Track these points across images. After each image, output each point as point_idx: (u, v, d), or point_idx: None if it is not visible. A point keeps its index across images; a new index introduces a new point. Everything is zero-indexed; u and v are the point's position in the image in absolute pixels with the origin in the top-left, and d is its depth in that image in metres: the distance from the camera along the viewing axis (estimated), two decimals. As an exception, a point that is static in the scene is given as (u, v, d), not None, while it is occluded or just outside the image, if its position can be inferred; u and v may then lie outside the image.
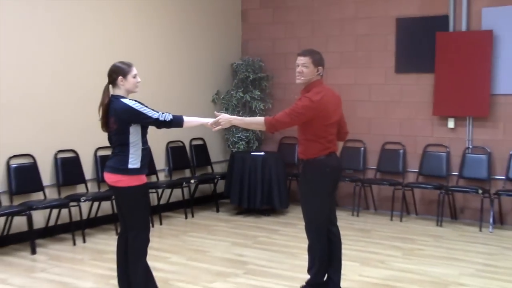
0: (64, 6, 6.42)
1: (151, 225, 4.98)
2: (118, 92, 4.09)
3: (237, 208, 7.80)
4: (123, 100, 4.04)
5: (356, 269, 5.29)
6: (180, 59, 7.90)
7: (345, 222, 6.91)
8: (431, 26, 7.40)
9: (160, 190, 7.29)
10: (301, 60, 4.28)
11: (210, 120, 4.33)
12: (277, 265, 5.41)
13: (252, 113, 8.17)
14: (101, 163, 6.59)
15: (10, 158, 6.00)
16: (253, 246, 6.10)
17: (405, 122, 7.71)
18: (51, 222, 6.32)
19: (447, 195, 7.24)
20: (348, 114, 4.81)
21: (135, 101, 4.08)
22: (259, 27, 8.73)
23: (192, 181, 7.68)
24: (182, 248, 6.03)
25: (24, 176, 6.05)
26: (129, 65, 4.12)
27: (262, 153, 7.78)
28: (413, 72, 7.61)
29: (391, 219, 7.34)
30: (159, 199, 7.27)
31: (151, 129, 4.18)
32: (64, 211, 6.26)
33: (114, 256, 4.31)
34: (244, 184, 7.49)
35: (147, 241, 4.18)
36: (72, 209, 6.20)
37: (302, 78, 4.28)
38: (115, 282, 4.38)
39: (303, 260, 4.64)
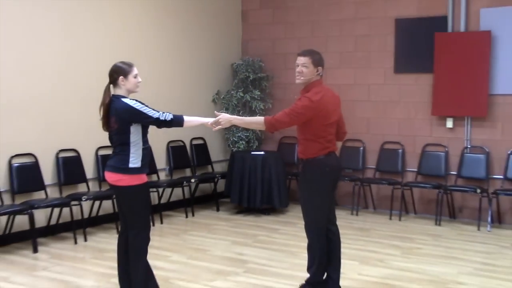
0: (66, 7, 6.44)
1: (151, 224, 5.01)
2: (119, 92, 4.11)
3: (237, 207, 7.82)
4: (124, 99, 4.06)
5: (355, 267, 5.31)
6: (181, 59, 7.92)
7: (344, 221, 6.93)
8: (430, 27, 7.42)
9: (160, 189, 7.32)
10: (301, 60, 4.29)
11: (210, 120, 4.34)
12: (277, 264, 5.43)
13: (252, 113, 8.19)
14: (102, 162, 6.62)
15: (12, 157, 6.03)
16: (253, 245, 6.12)
17: (404, 122, 7.74)
18: (53, 221, 6.35)
19: (446, 195, 7.26)
20: (347, 114, 4.83)
21: (136, 100, 4.09)
22: (259, 27, 8.75)
23: (193, 180, 7.71)
24: (183, 247, 6.05)
25: (26, 175, 6.08)
26: (130, 65, 4.14)
27: (262, 153, 7.78)
28: (412, 72, 7.64)
29: (390, 218, 7.37)
30: (159, 198, 7.30)
31: (152, 129, 4.19)
32: (66, 210, 6.31)
33: (115, 255, 4.33)
34: (244, 183, 7.50)
35: (147, 240, 4.20)
36: (74, 208, 6.23)
37: (302, 78, 4.29)
38: (116, 280, 4.40)
39: (303, 258, 4.66)
